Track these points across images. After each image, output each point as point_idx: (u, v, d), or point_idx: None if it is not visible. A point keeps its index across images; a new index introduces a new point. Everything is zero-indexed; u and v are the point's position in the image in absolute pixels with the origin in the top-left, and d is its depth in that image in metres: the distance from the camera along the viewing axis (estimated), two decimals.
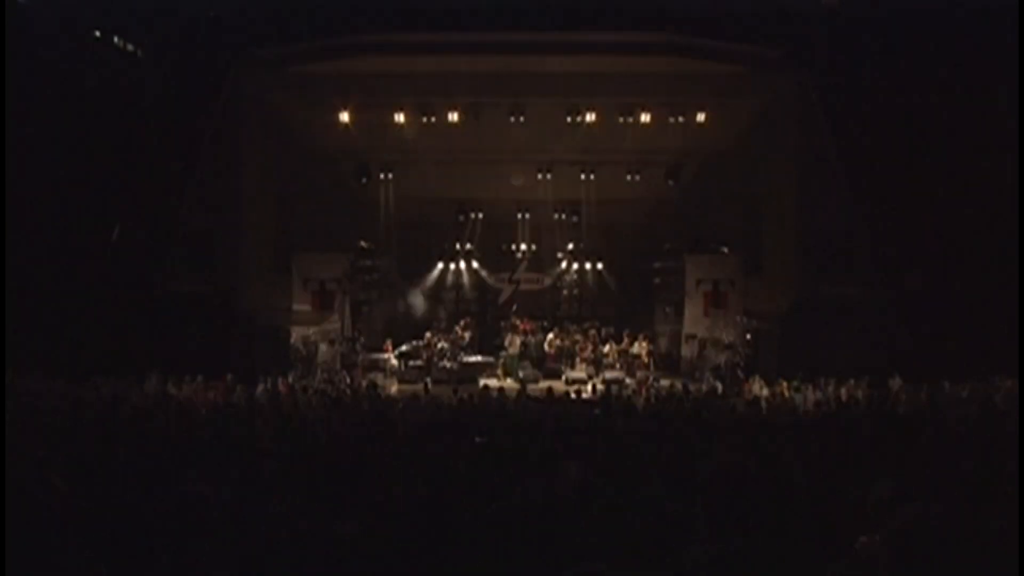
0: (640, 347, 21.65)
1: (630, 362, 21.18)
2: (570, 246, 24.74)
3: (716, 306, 20.63)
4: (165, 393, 15.17)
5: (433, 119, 19.66)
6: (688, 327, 21.35)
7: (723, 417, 11.59)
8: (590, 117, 19.61)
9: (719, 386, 17.01)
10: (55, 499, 5.02)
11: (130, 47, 19.59)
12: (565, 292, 25.50)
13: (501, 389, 15.56)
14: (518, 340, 21.50)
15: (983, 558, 3.30)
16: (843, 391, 15.33)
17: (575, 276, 25.16)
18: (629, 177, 22.69)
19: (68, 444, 7.95)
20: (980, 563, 3.29)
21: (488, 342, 22.95)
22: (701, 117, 19.64)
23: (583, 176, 22.69)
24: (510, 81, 19.13)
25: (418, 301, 24.48)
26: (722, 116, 19.93)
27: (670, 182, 22.75)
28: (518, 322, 22.91)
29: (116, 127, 18.25)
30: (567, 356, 22.06)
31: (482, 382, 19.37)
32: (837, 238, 19.30)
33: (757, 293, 20.56)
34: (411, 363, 21.06)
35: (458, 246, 24.42)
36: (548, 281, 25.60)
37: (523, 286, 25.61)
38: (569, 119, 19.67)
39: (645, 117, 19.57)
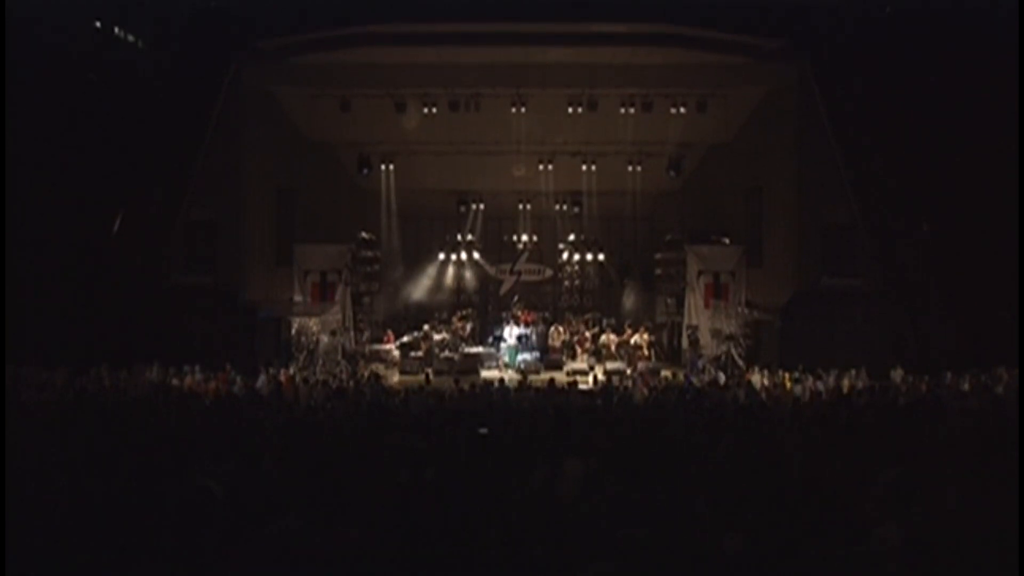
0: (641, 338, 21.66)
1: (631, 353, 21.18)
2: (571, 237, 24.74)
3: (717, 297, 20.63)
4: (166, 384, 15.20)
5: (434, 110, 19.62)
6: (689, 318, 21.37)
7: (724, 408, 11.60)
8: (591, 108, 19.56)
9: (720, 377, 16.99)
10: (58, 488, 5.04)
11: (132, 38, 19.55)
12: (566, 283, 25.51)
13: (502, 380, 15.55)
14: (515, 331, 21.50)
15: (986, 552, 3.31)
16: (844, 382, 15.34)
17: (576, 267, 25.17)
18: (630, 168, 22.72)
19: (70, 434, 7.98)
20: (983, 557, 3.30)
21: (490, 333, 22.96)
22: (702, 108, 19.59)
23: (584, 167, 22.72)
24: (511, 72, 19.05)
25: (419, 292, 24.48)
26: (723, 107, 19.87)
27: (671, 173, 22.74)
28: (519, 313, 22.93)
29: (118, 118, 18.22)
30: (568, 347, 22.09)
31: (483, 373, 19.40)
32: (838, 229, 19.29)
33: (758, 284, 20.55)
34: (412, 354, 21.08)
35: (459, 237, 24.42)
36: (549, 272, 25.62)
37: (524, 277, 25.66)
38: (571, 110, 19.63)
39: (646, 108, 19.53)
